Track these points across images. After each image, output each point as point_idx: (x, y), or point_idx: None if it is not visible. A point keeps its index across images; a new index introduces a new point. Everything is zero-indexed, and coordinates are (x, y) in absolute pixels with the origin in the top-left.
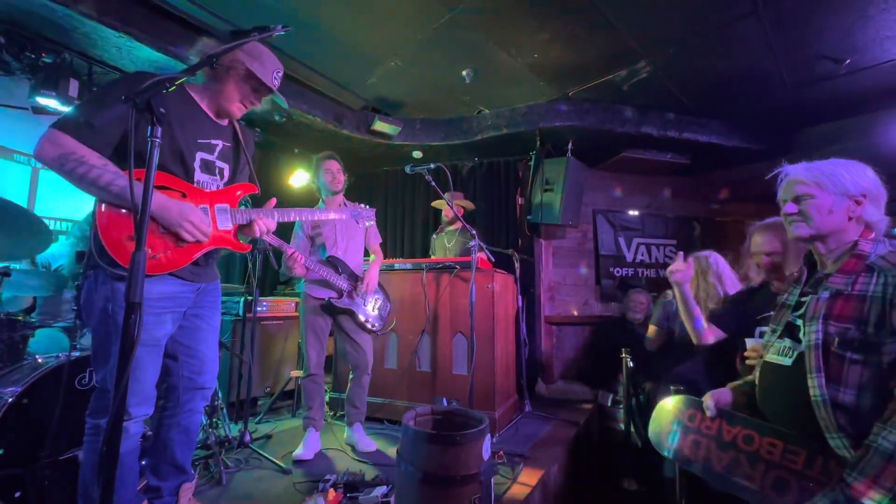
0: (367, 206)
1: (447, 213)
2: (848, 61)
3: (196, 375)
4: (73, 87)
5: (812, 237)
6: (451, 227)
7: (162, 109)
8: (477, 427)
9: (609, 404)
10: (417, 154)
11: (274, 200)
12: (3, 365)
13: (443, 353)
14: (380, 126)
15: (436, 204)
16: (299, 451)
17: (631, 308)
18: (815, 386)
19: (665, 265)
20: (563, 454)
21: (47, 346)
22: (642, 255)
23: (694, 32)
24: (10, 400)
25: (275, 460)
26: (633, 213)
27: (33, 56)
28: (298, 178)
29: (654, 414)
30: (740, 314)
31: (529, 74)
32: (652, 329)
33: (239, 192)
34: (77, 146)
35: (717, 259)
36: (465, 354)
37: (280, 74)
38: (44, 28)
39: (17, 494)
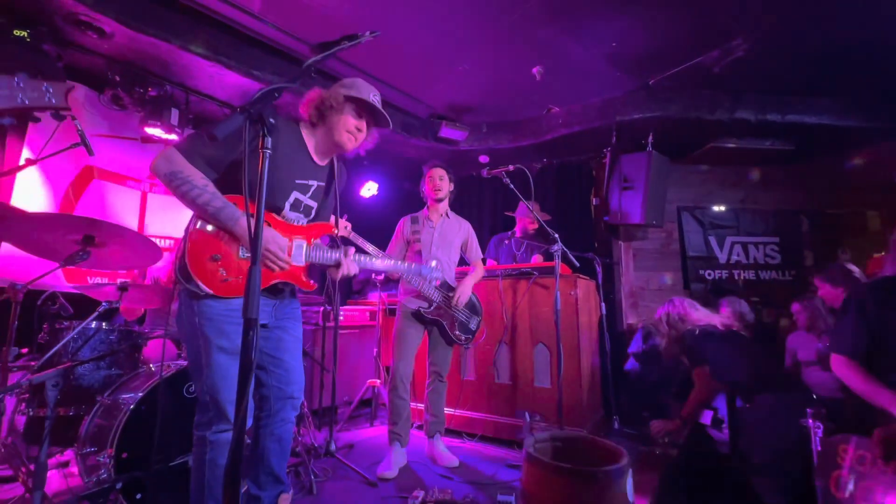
0: (436, 267)
1: (531, 226)
2: None
3: (284, 385)
4: (174, 116)
5: None
6: (519, 235)
7: (272, 120)
8: (618, 462)
9: (709, 423)
10: (484, 159)
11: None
12: (123, 372)
13: (523, 365)
14: (446, 132)
15: (513, 214)
16: (385, 468)
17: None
18: None
19: (766, 265)
20: (659, 480)
21: (157, 354)
22: (738, 254)
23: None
24: (132, 406)
25: (362, 472)
26: (726, 208)
27: (142, 90)
28: (368, 189)
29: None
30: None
31: (605, 66)
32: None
33: (319, 232)
34: (186, 166)
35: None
36: (547, 366)
37: (377, 96)
38: (149, 64)
39: (139, 496)
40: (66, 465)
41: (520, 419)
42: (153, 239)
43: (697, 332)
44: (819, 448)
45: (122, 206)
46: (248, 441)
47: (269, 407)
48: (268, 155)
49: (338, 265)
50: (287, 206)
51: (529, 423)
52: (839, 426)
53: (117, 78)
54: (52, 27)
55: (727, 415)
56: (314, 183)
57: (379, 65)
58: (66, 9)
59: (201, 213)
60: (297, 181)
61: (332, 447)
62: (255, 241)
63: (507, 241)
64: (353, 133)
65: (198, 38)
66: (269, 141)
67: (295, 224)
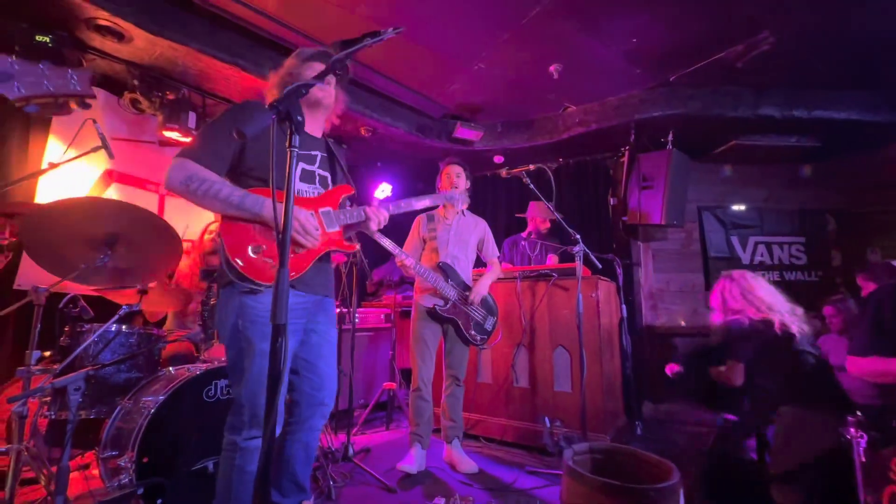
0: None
1: (543, 225)
2: None
3: (316, 392)
4: (192, 119)
5: None
6: (534, 236)
7: (299, 117)
8: (668, 479)
9: (734, 430)
10: (499, 159)
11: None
12: (143, 375)
13: (542, 368)
14: (461, 132)
15: (523, 214)
16: (406, 464)
17: None
18: None
19: (791, 266)
20: (689, 487)
21: (176, 357)
22: (761, 255)
23: None
24: (152, 410)
25: (380, 478)
26: (748, 207)
27: (160, 94)
28: (383, 191)
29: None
30: None
31: (624, 63)
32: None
33: (340, 195)
34: (198, 168)
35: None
36: (568, 369)
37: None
38: (168, 69)
39: (160, 501)
40: (87, 467)
41: (539, 424)
42: None
43: (747, 324)
44: (864, 460)
45: None
46: None
47: (299, 413)
48: (296, 154)
49: (368, 218)
50: (296, 178)
51: (550, 428)
52: (886, 436)
53: (136, 82)
54: (73, 32)
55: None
56: (317, 153)
57: (393, 65)
58: (87, 13)
59: (226, 207)
60: (300, 152)
61: (350, 452)
62: (282, 242)
63: (521, 243)
64: (323, 88)
65: (215, 41)
66: (297, 139)
67: (314, 196)
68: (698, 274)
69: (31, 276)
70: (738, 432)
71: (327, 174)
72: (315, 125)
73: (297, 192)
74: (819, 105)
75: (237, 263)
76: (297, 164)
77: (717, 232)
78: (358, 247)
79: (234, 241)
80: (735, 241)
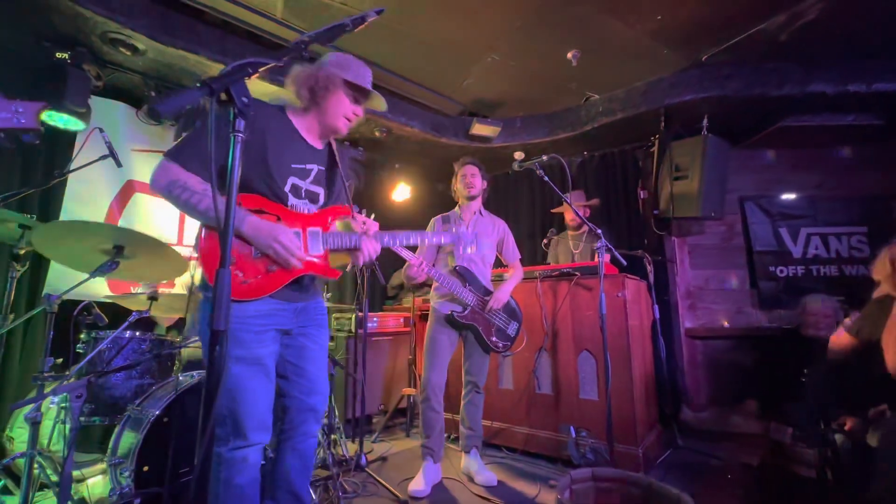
0: (471, 232)
1: (573, 219)
2: None
3: (306, 396)
4: None
5: None
6: (577, 231)
7: (244, 99)
8: None
9: (788, 441)
10: (519, 155)
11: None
12: (154, 381)
13: (566, 374)
14: (478, 129)
15: (559, 210)
16: (416, 486)
17: (808, 322)
18: None
19: (852, 259)
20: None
21: (191, 364)
22: (816, 247)
23: None
24: (153, 419)
25: (392, 489)
26: (798, 196)
27: None
28: (401, 192)
29: None
30: None
31: (651, 43)
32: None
33: (330, 219)
34: (182, 173)
35: None
36: (594, 376)
37: (370, 77)
38: (182, 77)
39: None
40: (106, 472)
41: (564, 434)
42: (190, 248)
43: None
44: None
45: (162, 218)
46: (271, 455)
47: (290, 419)
48: (240, 139)
49: (357, 248)
50: (288, 193)
51: (575, 438)
52: None
53: (153, 93)
54: (89, 47)
55: (813, 429)
56: (313, 167)
57: (404, 62)
58: (100, 28)
59: (203, 219)
60: (293, 165)
61: (363, 461)
62: (224, 239)
63: (554, 238)
64: (349, 118)
65: (225, 48)
66: (240, 123)
67: (307, 213)
68: (742, 270)
69: (59, 285)
70: None
71: (319, 190)
72: (319, 139)
73: (292, 207)
74: (880, 78)
75: (205, 273)
76: (288, 179)
77: (762, 224)
78: (339, 273)
79: (210, 253)
80: (784, 232)
